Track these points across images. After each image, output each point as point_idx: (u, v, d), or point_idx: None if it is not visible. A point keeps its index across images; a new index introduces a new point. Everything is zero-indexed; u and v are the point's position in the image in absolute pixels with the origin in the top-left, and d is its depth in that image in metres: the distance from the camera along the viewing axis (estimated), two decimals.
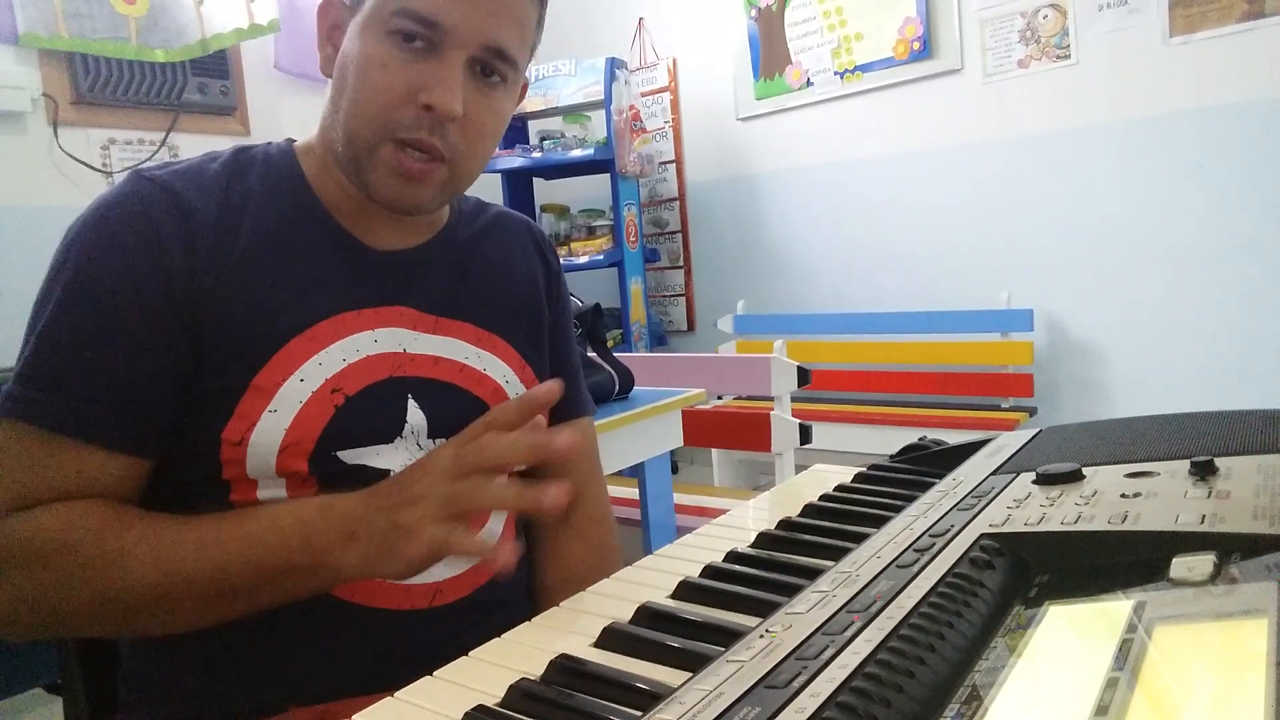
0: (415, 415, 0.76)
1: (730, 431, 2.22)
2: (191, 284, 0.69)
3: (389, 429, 0.75)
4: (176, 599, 0.63)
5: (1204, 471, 0.55)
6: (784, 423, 2.04)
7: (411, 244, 0.82)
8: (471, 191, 0.96)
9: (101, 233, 0.69)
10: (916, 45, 3.13)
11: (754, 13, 3.53)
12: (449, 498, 0.60)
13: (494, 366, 0.83)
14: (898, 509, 0.62)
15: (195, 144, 2.83)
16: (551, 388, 0.65)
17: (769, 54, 3.51)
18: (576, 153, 3.44)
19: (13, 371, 0.68)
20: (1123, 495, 0.54)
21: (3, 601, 0.64)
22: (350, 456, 0.73)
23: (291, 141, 0.82)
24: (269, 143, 0.81)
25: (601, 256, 3.49)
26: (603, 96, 3.38)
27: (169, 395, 0.69)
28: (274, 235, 0.74)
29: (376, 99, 0.71)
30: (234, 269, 0.71)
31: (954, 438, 0.79)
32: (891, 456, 0.79)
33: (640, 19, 3.88)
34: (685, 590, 0.54)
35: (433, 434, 0.78)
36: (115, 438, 0.67)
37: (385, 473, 0.74)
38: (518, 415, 0.64)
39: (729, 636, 0.44)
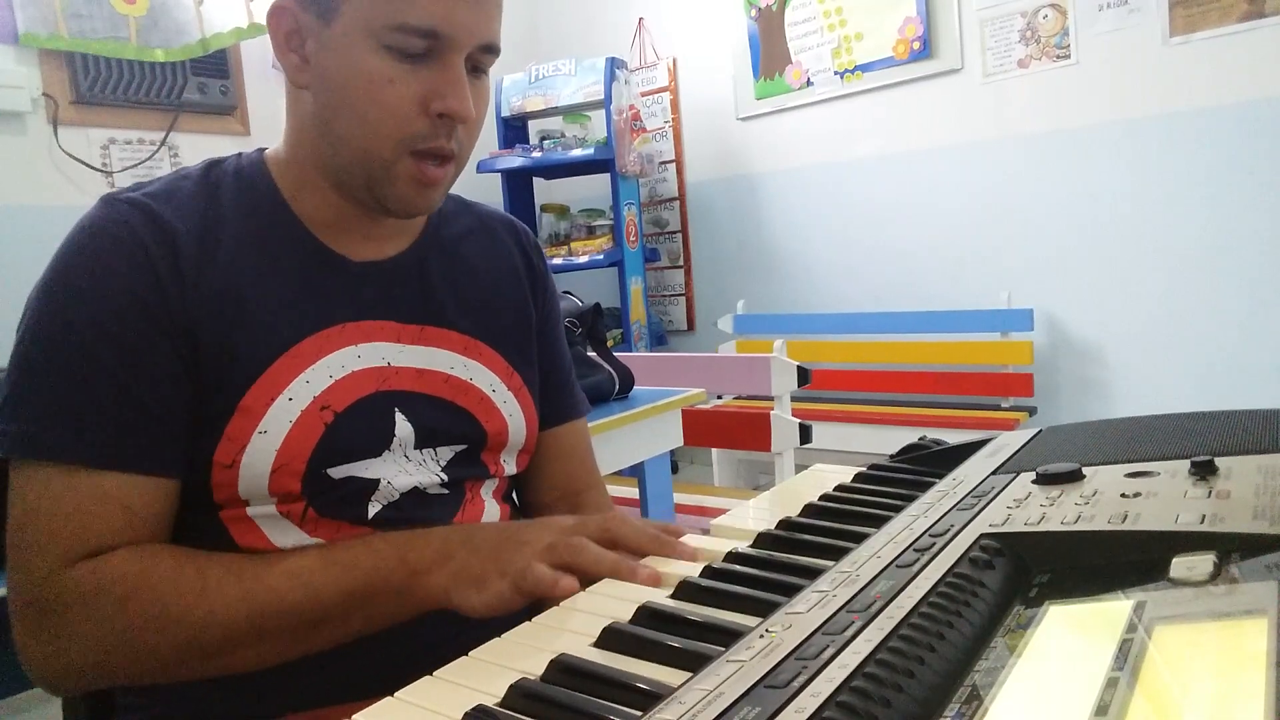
0: (403, 428, 0.76)
1: (730, 431, 2.22)
2: (183, 304, 0.69)
3: (378, 443, 0.75)
4: (267, 630, 0.64)
5: (1204, 471, 0.55)
6: (784, 422, 2.04)
7: (390, 253, 0.81)
8: (470, 192, 0.96)
9: (91, 259, 0.68)
10: (916, 45, 3.13)
11: (754, 12, 3.53)
12: (552, 545, 0.62)
13: (480, 375, 0.83)
14: (898, 509, 0.61)
15: (195, 144, 2.83)
16: (692, 553, 0.63)
17: (769, 54, 3.51)
18: (576, 152, 3.44)
19: (6, 410, 0.66)
20: (1123, 495, 0.54)
21: (71, 652, 0.63)
22: (339, 471, 0.73)
23: (261, 151, 0.80)
24: (239, 154, 0.80)
25: (601, 256, 3.50)
26: (603, 96, 3.38)
27: (182, 413, 0.69)
28: (252, 254, 0.73)
29: (390, 115, 0.70)
30: (217, 290, 0.70)
31: (954, 437, 0.79)
32: (891, 456, 0.79)
33: (640, 19, 3.88)
34: (685, 590, 0.54)
35: (419, 445, 0.78)
36: (150, 462, 0.67)
37: (374, 481, 0.74)
38: (651, 531, 0.65)
39: (729, 636, 0.44)
